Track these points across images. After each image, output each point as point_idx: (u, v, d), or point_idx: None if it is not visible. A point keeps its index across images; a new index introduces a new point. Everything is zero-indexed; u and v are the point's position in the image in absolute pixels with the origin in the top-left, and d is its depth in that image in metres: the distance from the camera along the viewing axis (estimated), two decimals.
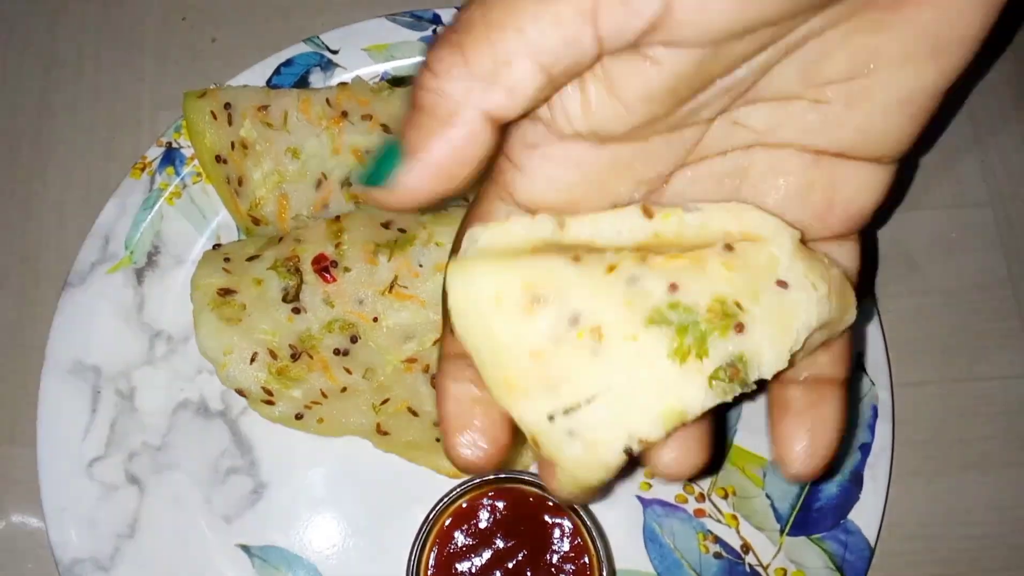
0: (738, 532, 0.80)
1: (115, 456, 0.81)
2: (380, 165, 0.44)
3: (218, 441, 0.83)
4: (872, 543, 0.77)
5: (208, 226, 0.87)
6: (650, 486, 0.81)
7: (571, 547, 0.74)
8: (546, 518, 0.75)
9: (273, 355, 0.78)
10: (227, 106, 0.84)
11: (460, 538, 0.75)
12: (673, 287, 0.43)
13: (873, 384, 0.81)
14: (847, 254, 0.51)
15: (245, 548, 0.80)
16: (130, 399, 0.83)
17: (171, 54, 0.97)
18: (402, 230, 0.78)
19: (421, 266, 0.77)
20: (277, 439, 0.82)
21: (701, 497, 0.81)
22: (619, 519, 0.80)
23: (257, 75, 0.88)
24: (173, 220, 0.87)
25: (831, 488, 0.79)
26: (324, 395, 0.79)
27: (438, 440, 0.81)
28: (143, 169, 0.87)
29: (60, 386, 0.81)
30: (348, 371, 0.79)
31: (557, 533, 0.75)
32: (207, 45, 0.97)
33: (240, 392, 0.79)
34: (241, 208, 0.85)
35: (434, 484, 0.77)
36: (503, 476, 0.76)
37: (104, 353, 0.83)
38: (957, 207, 0.91)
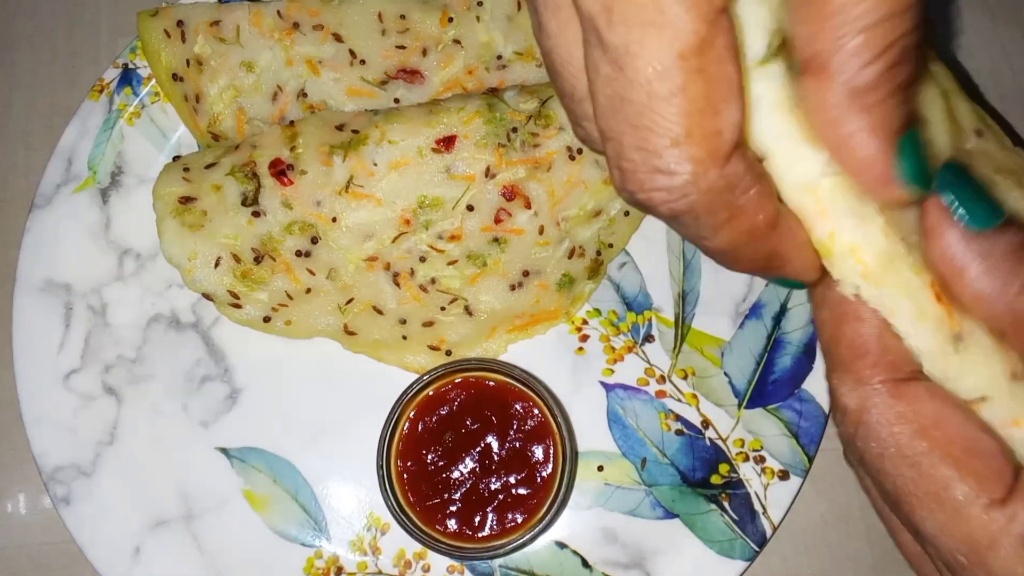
0: (698, 409, 0.82)
1: (91, 368, 0.83)
2: None
3: (191, 351, 0.85)
4: (826, 409, 0.79)
5: (168, 144, 0.89)
6: (612, 372, 0.84)
7: (534, 428, 0.77)
8: (509, 401, 0.77)
9: (236, 259, 0.80)
10: (180, 23, 0.85)
11: (427, 424, 0.77)
12: None
13: None
14: None
15: (223, 450, 0.83)
16: (102, 314, 0.85)
17: None
18: (355, 131, 0.80)
19: (376, 164, 0.79)
20: (250, 346, 0.85)
21: (662, 379, 0.83)
22: (583, 405, 0.83)
23: None
24: (134, 140, 0.88)
25: (785, 361, 0.82)
26: (290, 297, 0.81)
27: (404, 338, 0.83)
28: (101, 91, 0.88)
29: (32, 303, 0.83)
30: (311, 272, 0.81)
31: (520, 415, 0.77)
32: None
33: (207, 296, 0.81)
34: (200, 125, 0.86)
35: (403, 381, 0.79)
36: (468, 365, 0.79)
37: (74, 271, 0.85)
38: None
